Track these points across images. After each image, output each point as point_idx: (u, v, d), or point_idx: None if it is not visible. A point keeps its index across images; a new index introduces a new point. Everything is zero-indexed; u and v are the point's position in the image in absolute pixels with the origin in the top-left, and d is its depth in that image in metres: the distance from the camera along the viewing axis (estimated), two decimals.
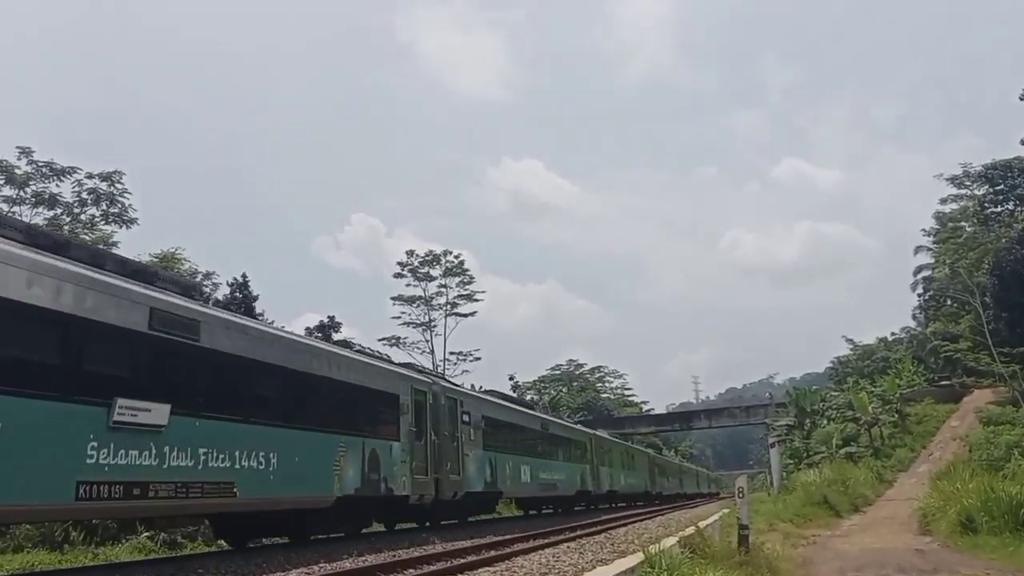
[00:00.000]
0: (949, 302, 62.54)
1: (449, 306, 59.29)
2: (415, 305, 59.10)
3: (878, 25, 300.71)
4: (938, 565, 12.76)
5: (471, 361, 59.66)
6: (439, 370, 54.42)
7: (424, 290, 59.33)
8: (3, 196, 27.99)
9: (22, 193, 28.17)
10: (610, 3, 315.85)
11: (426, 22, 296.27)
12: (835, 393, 51.00)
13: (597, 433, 37.88)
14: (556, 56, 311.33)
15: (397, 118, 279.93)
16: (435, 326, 59.23)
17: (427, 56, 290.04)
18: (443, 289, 59.45)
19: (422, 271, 59.02)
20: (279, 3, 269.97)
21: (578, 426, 37.81)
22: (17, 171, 27.94)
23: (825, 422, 45.03)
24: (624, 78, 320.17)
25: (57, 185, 28.92)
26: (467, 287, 60.01)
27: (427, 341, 58.81)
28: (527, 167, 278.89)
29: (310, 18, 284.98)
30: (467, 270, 60.04)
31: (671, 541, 11.35)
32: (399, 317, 59.01)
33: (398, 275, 59.33)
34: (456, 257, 59.56)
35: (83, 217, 29.52)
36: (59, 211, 28.96)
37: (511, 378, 72.12)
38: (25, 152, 28.10)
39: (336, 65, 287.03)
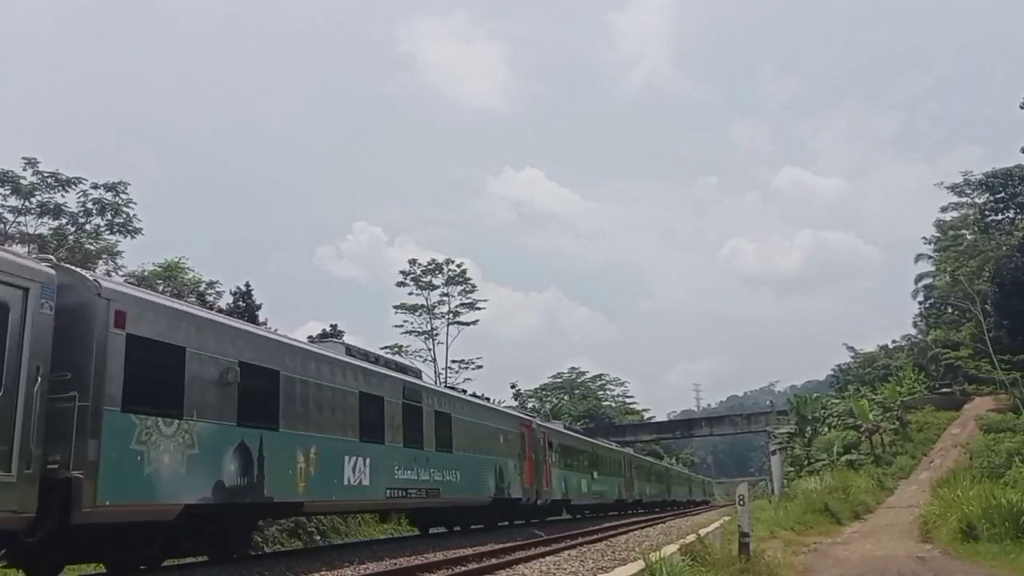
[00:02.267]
0: (950, 310, 62.57)
1: (451, 314, 59.46)
2: (417, 314, 59.27)
3: (876, 36, 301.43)
4: (939, 573, 12.79)
5: (473, 369, 59.79)
6: (441, 379, 54.63)
7: (426, 299, 59.52)
8: (9, 206, 28.16)
9: (27, 203, 28.32)
10: (610, 15, 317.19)
11: (427, 33, 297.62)
12: (836, 400, 50.96)
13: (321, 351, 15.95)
14: (556, 67, 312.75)
15: (398, 128, 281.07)
16: (437, 334, 59.41)
17: (428, 67, 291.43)
18: (445, 298, 59.62)
19: (424, 280, 59.16)
20: (281, 15, 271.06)
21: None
22: (23, 181, 28.08)
23: (826, 429, 45.03)
24: (624, 88, 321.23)
25: (62, 195, 29.03)
26: (469, 296, 60.18)
27: (429, 349, 58.97)
28: (528, 176, 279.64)
29: (312, 30, 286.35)
30: (469, 279, 60.20)
31: (672, 549, 11.43)
32: (401, 325, 59.19)
33: (401, 284, 59.52)
34: (458, 266, 59.73)
35: (88, 227, 29.65)
36: (64, 221, 29.10)
37: (513, 386, 72.22)
38: (31, 163, 28.23)
39: (337, 76, 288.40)
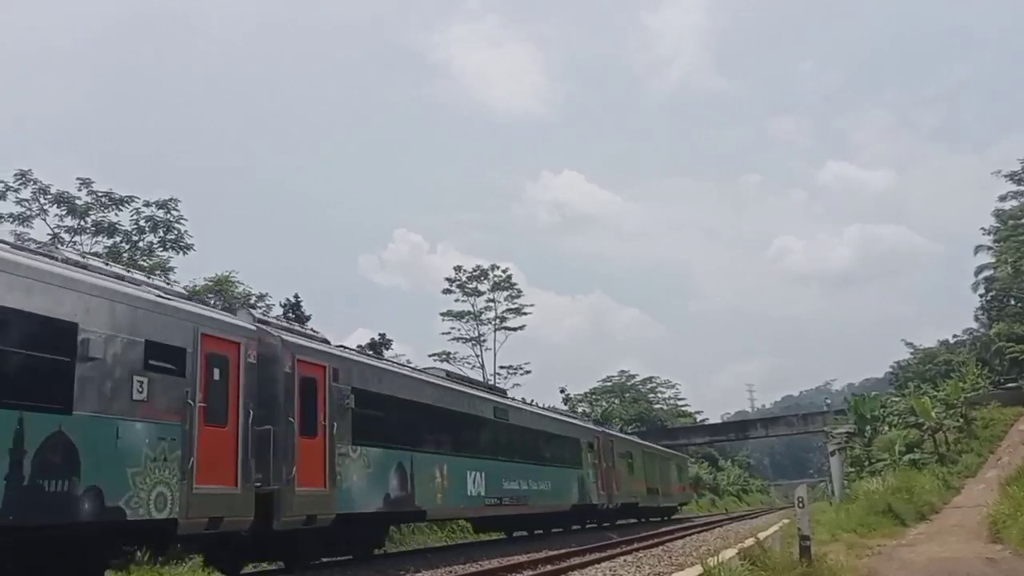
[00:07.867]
0: (1013, 302, 60.71)
1: (498, 320, 59.45)
2: (464, 320, 59.36)
3: (914, 26, 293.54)
4: (1010, 574, 12.34)
5: (522, 375, 59.62)
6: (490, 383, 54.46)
7: (473, 305, 59.57)
8: (65, 227, 28.95)
9: (83, 223, 29.10)
10: (643, 14, 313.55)
11: (459, 38, 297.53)
12: (896, 399, 49.77)
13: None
14: (590, 67, 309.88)
15: (432, 134, 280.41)
16: (484, 340, 59.42)
17: (461, 72, 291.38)
18: (491, 303, 59.67)
19: (470, 286, 59.29)
20: (314, 25, 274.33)
21: None
22: (78, 202, 28.88)
23: (887, 428, 43.97)
24: (660, 87, 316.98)
25: (116, 214, 29.82)
26: (515, 301, 60.10)
27: (477, 356, 59.03)
28: (567, 180, 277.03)
29: (344, 38, 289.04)
30: (515, 284, 60.06)
31: (730, 553, 11.19)
32: (448, 332, 59.36)
33: (447, 291, 59.69)
34: (504, 271, 59.75)
35: (141, 244, 30.35)
36: (118, 239, 29.82)
37: (562, 390, 71.94)
38: (85, 183, 29.09)
39: (371, 84, 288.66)
